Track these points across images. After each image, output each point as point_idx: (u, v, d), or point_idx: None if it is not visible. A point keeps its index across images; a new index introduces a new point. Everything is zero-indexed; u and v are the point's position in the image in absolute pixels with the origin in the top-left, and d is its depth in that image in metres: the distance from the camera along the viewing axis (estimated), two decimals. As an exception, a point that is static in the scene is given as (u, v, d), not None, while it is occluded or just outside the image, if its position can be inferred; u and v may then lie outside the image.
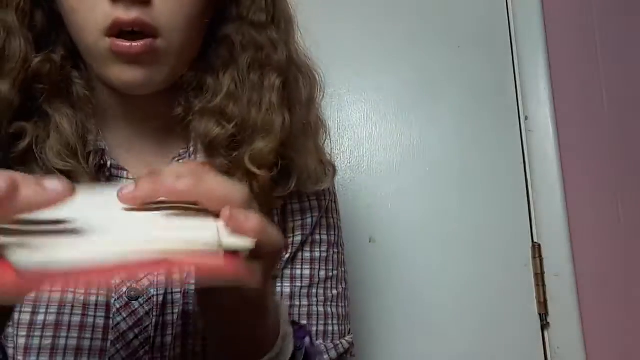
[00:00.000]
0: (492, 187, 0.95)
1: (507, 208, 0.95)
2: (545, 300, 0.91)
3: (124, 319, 0.49)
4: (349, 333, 0.60)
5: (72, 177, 0.47)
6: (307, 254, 0.58)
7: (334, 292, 0.59)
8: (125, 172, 0.52)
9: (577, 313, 0.90)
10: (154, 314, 0.49)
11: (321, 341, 0.56)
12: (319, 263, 0.58)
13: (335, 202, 0.62)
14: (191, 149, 0.54)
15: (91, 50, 0.47)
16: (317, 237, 0.58)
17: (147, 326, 0.49)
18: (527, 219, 0.95)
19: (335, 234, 0.61)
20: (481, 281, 0.92)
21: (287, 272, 0.57)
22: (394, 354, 0.91)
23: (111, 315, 0.49)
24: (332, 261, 0.59)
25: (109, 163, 0.51)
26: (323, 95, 0.60)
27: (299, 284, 0.57)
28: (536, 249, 0.93)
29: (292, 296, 0.56)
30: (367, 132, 0.98)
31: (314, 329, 0.56)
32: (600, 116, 0.97)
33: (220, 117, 0.50)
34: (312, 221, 0.58)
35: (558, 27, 0.99)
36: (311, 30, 1.05)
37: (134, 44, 0.45)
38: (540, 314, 0.92)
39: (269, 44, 0.52)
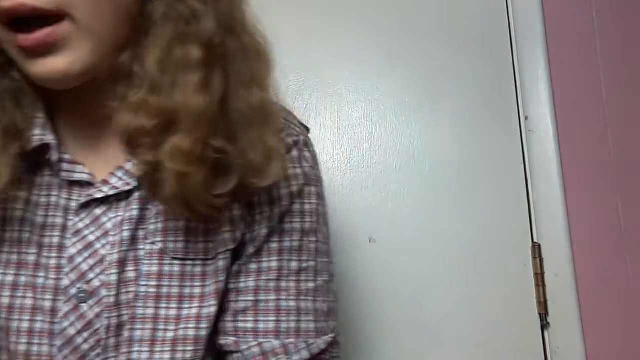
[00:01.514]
0: (492, 187, 0.95)
1: (507, 208, 0.95)
2: (545, 300, 0.91)
3: (72, 323, 0.48)
4: (331, 331, 0.54)
5: None
6: (274, 245, 0.52)
7: (310, 284, 0.53)
8: (80, 167, 0.50)
9: (577, 313, 0.90)
10: (106, 315, 0.48)
11: (293, 340, 0.51)
12: (290, 253, 0.52)
13: (315, 185, 0.55)
14: None
15: (6, 48, 0.45)
16: (288, 225, 0.53)
17: (98, 329, 0.48)
18: (527, 219, 0.95)
19: (313, 221, 0.54)
20: (481, 281, 0.92)
21: (254, 266, 0.52)
22: (393, 353, 0.91)
23: (57, 320, 0.47)
24: (308, 251, 0.53)
25: (54, 157, 0.49)
26: (277, 76, 0.53)
27: (265, 277, 0.52)
28: (536, 249, 0.93)
29: (257, 290, 0.52)
30: (367, 132, 0.98)
31: (284, 325, 0.51)
32: (600, 116, 0.97)
33: (140, 108, 0.45)
34: (280, 211, 0.52)
35: (558, 27, 0.99)
36: (311, 30, 1.06)
37: (34, 35, 0.42)
38: (540, 314, 0.92)
39: (190, 13, 0.47)
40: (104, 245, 0.49)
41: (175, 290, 0.50)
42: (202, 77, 0.45)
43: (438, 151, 0.97)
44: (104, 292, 0.48)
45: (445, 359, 0.91)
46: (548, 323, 0.91)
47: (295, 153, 0.54)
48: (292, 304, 0.52)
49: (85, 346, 0.47)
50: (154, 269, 0.49)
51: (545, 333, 0.91)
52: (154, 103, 0.45)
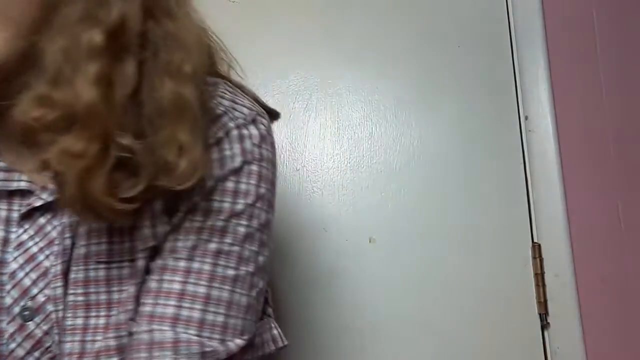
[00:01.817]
0: (492, 187, 0.95)
1: (507, 208, 0.95)
2: (545, 300, 0.91)
3: (19, 344, 0.44)
4: (247, 332, 0.47)
5: None
6: (196, 223, 0.46)
7: (230, 272, 0.46)
8: (17, 174, 0.46)
9: (577, 313, 0.90)
10: (56, 332, 0.45)
11: (194, 331, 0.44)
12: (211, 233, 0.46)
13: (258, 164, 0.49)
14: None
15: None
16: (216, 204, 0.46)
17: (50, 347, 0.45)
18: (527, 219, 0.95)
19: (248, 203, 0.47)
20: (481, 281, 0.92)
21: (168, 244, 0.46)
22: (393, 353, 0.91)
23: (4, 342, 0.44)
24: (234, 233, 0.47)
25: None
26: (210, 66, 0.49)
27: (175, 256, 0.45)
28: (536, 249, 0.93)
29: (164, 269, 0.45)
30: (367, 132, 0.98)
31: (185, 313, 0.44)
32: (600, 116, 0.97)
33: (39, 100, 0.40)
34: (209, 186, 0.47)
35: (558, 27, 0.99)
36: (311, 30, 1.06)
37: None
38: (540, 314, 0.92)
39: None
40: (47, 256, 0.46)
41: (103, 297, 0.46)
42: (102, 68, 0.40)
43: (438, 151, 0.97)
44: (50, 307, 0.45)
45: (445, 359, 0.91)
46: (548, 323, 0.91)
47: (234, 133, 0.48)
48: (202, 290, 0.45)
49: None
50: (80, 275, 0.45)
51: (545, 333, 0.91)
52: (54, 95, 0.40)
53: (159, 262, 0.46)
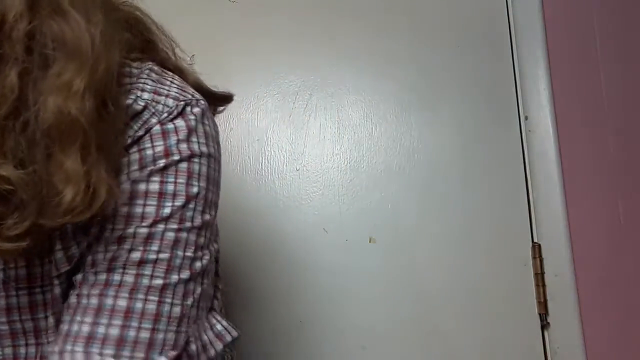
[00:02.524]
0: (492, 187, 0.95)
1: (507, 208, 0.95)
2: (545, 300, 0.91)
3: None
4: (179, 347, 0.42)
5: None
6: (117, 232, 0.41)
7: (157, 281, 0.41)
8: None
9: (577, 313, 0.90)
10: None
11: (110, 351, 0.39)
12: (133, 241, 0.41)
13: (187, 160, 0.44)
14: None
15: None
16: (138, 209, 0.42)
17: None
18: (527, 219, 0.95)
19: (177, 205, 0.43)
20: (481, 281, 0.92)
21: (88, 258, 0.42)
22: (394, 353, 0.91)
23: None
24: (161, 240, 0.42)
25: None
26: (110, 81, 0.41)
27: (95, 269, 0.41)
28: (536, 249, 0.93)
29: (82, 284, 0.41)
30: (367, 132, 0.98)
31: (101, 330, 0.39)
32: (600, 116, 0.97)
33: None
34: (131, 190, 0.42)
35: (558, 27, 0.99)
36: (311, 30, 1.06)
37: None
38: (540, 314, 0.92)
39: None
40: None
41: (29, 324, 0.43)
42: None
43: (438, 151, 0.97)
44: None
45: (445, 359, 0.91)
46: (548, 323, 0.91)
47: (156, 129, 0.43)
48: (122, 303, 0.40)
49: None
50: (1, 302, 0.42)
51: (545, 333, 0.91)
52: None
53: (78, 277, 0.42)
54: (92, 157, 0.37)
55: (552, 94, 0.97)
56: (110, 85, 0.40)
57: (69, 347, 0.39)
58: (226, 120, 0.99)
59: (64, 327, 0.40)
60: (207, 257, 0.45)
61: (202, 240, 0.45)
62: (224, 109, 0.59)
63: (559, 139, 0.96)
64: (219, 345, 0.45)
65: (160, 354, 0.40)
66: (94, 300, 0.40)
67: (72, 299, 0.41)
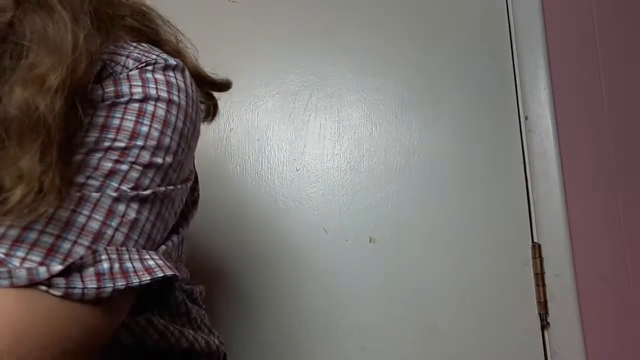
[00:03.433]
0: (492, 187, 0.95)
1: (507, 208, 0.95)
2: (545, 300, 0.91)
3: None
4: (76, 260, 0.38)
5: None
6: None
7: (77, 193, 0.39)
8: None
9: (577, 313, 0.90)
10: None
11: (3, 249, 0.37)
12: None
13: (153, 103, 0.42)
14: None
15: None
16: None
17: None
18: (527, 219, 0.95)
19: (108, 137, 0.40)
20: (481, 281, 0.92)
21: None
22: (393, 353, 0.91)
23: None
24: (92, 168, 0.40)
25: None
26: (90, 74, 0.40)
27: None
28: (536, 249, 0.93)
29: None
30: (367, 132, 0.98)
31: (1, 230, 0.37)
32: (600, 116, 0.97)
33: None
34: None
35: (558, 27, 0.99)
36: (311, 30, 1.06)
37: None
38: (540, 314, 0.92)
39: None
40: None
41: None
42: None
43: (438, 151, 0.97)
44: None
45: (445, 359, 0.91)
46: (548, 323, 0.91)
47: (122, 75, 0.42)
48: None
49: None
50: None
51: (545, 333, 0.91)
52: None
53: None
54: (52, 158, 0.36)
55: (552, 94, 0.97)
56: (84, 91, 0.39)
57: None
58: (226, 120, 0.99)
59: None
60: (150, 190, 0.43)
61: (145, 181, 0.42)
62: (212, 115, 0.59)
63: (559, 139, 0.96)
64: (146, 277, 0.40)
65: (61, 263, 0.37)
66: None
67: None
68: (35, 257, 0.36)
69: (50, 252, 0.37)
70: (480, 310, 0.92)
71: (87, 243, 0.38)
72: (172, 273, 0.42)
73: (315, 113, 0.99)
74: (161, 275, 0.41)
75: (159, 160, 0.43)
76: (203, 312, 0.63)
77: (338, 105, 0.99)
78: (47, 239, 0.37)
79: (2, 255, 0.35)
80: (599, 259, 0.93)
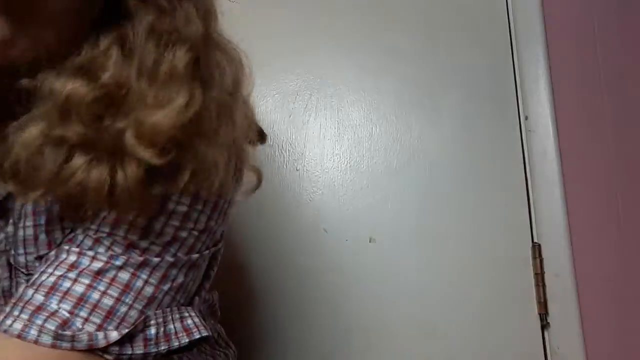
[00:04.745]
0: (492, 187, 0.95)
1: (507, 208, 0.95)
2: (545, 300, 0.91)
3: None
4: (129, 325, 0.40)
5: None
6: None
7: (139, 258, 0.42)
8: None
9: (577, 313, 0.90)
10: None
11: (66, 308, 0.39)
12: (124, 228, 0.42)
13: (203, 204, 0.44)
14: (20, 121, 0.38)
15: None
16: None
17: None
18: (527, 219, 0.95)
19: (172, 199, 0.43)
20: (481, 281, 0.92)
21: None
22: (394, 353, 0.91)
23: None
24: (154, 234, 0.42)
25: None
26: (251, 88, 0.48)
27: (84, 232, 0.41)
28: (536, 249, 0.93)
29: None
30: (367, 132, 0.98)
31: (67, 284, 0.39)
32: (600, 116, 0.97)
33: (87, 72, 0.37)
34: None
35: (558, 27, 0.99)
36: (311, 30, 1.06)
37: None
38: (540, 314, 0.92)
39: (181, 15, 0.41)
40: None
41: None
42: (184, 73, 0.40)
43: (438, 151, 0.97)
44: None
45: (445, 359, 0.91)
46: (548, 323, 0.91)
47: None
48: (97, 265, 0.40)
49: None
50: (15, 289, 0.43)
51: (545, 333, 0.91)
52: (108, 67, 0.38)
53: (70, 235, 0.41)
54: (239, 150, 0.46)
55: (552, 94, 0.97)
56: None
57: (29, 292, 0.38)
58: (226, 120, 0.99)
59: (34, 275, 0.40)
60: (198, 254, 0.45)
61: (199, 245, 0.45)
62: None
63: (559, 139, 0.95)
64: (185, 339, 0.43)
65: (116, 327, 0.39)
66: (73, 257, 0.39)
67: (51, 252, 0.41)
68: (96, 319, 0.38)
69: (109, 316, 0.39)
70: (480, 310, 0.92)
71: (140, 307, 0.40)
72: (207, 334, 0.45)
73: (315, 113, 0.99)
74: (198, 337, 0.44)
75: (214, 223, 0.45)
76: (218, 325, 0.63)
77: (338, 105, 0.99)
78: (108, 301, 0.39)
79: (67, 314, 0.37)
80: (599, 259, 0.93)
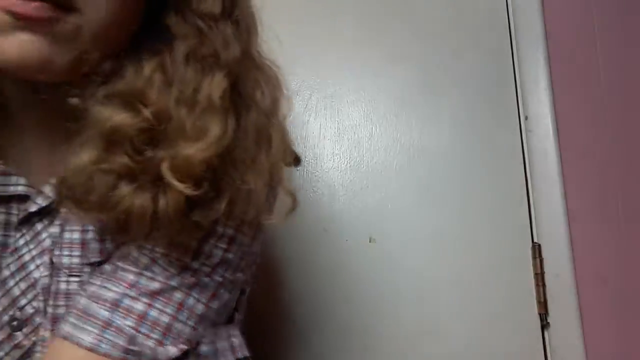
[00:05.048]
0: (493, 187, 0.95)
1: (507, 208, 0.95)
2: (545, 300, 0.91)
3: (7, 352, 0.43)
4: (184, 342, 0.43)
5: None
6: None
7: (192, 279, 0.45)
8: (15, 178, 0.44)
9: (577, 313, 0.90)
10: (40, 343, 0.43)
11: (130, 325, 0.42)
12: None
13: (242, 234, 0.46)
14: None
15: None
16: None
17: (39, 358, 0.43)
18: (527, 219, 0.95)
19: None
20: (481, 281, 0.92)
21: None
22: (393, 353, 0.91)
23: None
24: (205, 255, 0.45)
25: None
26: (290, 112, 0.49)
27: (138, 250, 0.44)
28: (536, 249, 0.93)
29: None
30: (367, 132, 0.98)
31: (127, 302, 0.42)
32: (600, 116, 0.97)
33: (132, 105, 0.39)
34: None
35: (558, 27, 0.99)
36: (311, 30, 1.06)
37: (38, 4, 0.34)
38: (540, 314, 0.92)
39: (219, 38, 0.43)
40: (37, 267, 0.44)
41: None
42: (221, 101, 0.41)
43: (438, 151, 0.97)
44: (38, 319, 0.44)
45: (445, 359, 0.91)
46: (548, 323, 0.91)
47: None
48: (155, 285, 0.43)
49: None
50: (62, 287, 0.44)
51: (545, 333, 0.91)
52: (152, 97, 0.40)
53: (123, 249, 0.43)
54: (277, 171, 0.46)
55: (552, 94, 0.97)
56: None
57: (94, 306, 0.41)
58: (226, 120, 0.99)
59: (91, 287, 0.42)
60: (241, 273, 0.48)
61: (242, 264, 0.47)
62: None
63: (559, 139, 0.96)
64: (231, 357, 0.46)
65: (173, 343, 0.42)
66: (131, 276, 0.42)
67: (108, 266, 0.43)
68: (156, 336, 0.41)
69: (166, 333, 0.42)
70: (480, 310, 0.92)
71: (192, 324, 0.43)
72: (248, 355, 0.49)
73: (315, 113, 0.99)
74: (241, 356, 0.47)
75: (255, 244, 0.48)
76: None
77: (338, 105, 0.99)
78: (165, 319, 0.41)
79: (132, 331, 0.40)
80: (599, 259, 0.93)
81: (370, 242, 0.94)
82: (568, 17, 1.00)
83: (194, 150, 0.38)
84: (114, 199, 0.38)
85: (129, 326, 0.40)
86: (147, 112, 0.39)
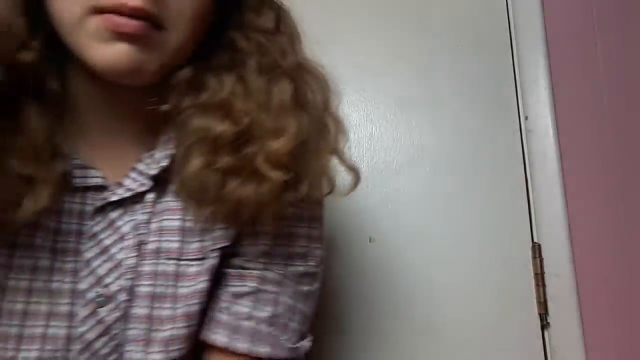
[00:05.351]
0: (492, 187, 0.95)
1: (507, 208, 0.95)
2: (545, 300, 0.91)
3: (91, 327, 0.47)
4: (301, 338, 0.58)
5: (33, 184, 0.44)
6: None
7: (308, 288, 0.61)
8: (93, 171, 0.50)
9: (577, 313, 0.90)
10: (123, 319, 0.48)
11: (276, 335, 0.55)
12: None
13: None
14: (166, 150, 0.50)
15: (75, 27, 0.42)
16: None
17: (117, 333, 0.48)
18: (527, 219, 0.95)
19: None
20: (481, 281, 0.92)
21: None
22: (393, 354, 0.91)
23: (75, 324, 0.47)
24: (314, 256, 0.60)
25: (67, 167, 0.48)
26: (339, 101, 0.57)
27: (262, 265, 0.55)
28: (536, 249, 0.93)
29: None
30: (367, 132, 0.98)
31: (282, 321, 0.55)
32: (600, 116, 0.97)
33: (226, 114, 0.48)
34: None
35: (558, 27, 0.99)
36: (311, 30, 1.05)
37: (135, 22, 0.42)
38: (540, 314, 0.92)
39: (277, 50, 0.51)
40: (120, 250, 0.49)
41: (170, 290, 0.49)
42: (290, 103, 0.50)
43: (438, 151, 0.97)
44: (121, 297, 0.48)
45: (445, 359, 0.91)
46: (548, 323, 0.91)
47: None
48: (289, 301, 0.55)
49: (105, 350, 0.48)
50: (147, 268, 0.49)
51: (545, 333, 0.91)
52: (241, 107, 0.48)
53: (238, 249, 0.52)
54: (339, 153, 0.58)
55: (552, 94, 0.97)
56: None
57: (246, 323, 0.51)
58: (226, 120, 0.99)
59: (227, 288, 0.52)
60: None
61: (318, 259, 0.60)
62: None
63: (559, 139, 0.96)
64: (302, 356, 0.57)
65: (302, 338, 0.57)
66: (269, 296, 0.53)
67: (245, 288, 0.52)
68: (304, 328, 0.57)
69: (285, 330, 0.54)
70: (480, 310, 0.92)
71: (306, 325, 0.59)
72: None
73: (315, 113, 0.99)
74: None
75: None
76: None
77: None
78: (294, 325, 0.56)
79: (298, 329, 0.56)
80: (599, 259, 0.93)
81: (370, 242, 0.94)
82: (568, 17, 1.00)
83: (280, 145, 0.47)
84: (225, 194, 0.47)
85: (295, 327, 0.55)
86: (241, 118, 0.47)
